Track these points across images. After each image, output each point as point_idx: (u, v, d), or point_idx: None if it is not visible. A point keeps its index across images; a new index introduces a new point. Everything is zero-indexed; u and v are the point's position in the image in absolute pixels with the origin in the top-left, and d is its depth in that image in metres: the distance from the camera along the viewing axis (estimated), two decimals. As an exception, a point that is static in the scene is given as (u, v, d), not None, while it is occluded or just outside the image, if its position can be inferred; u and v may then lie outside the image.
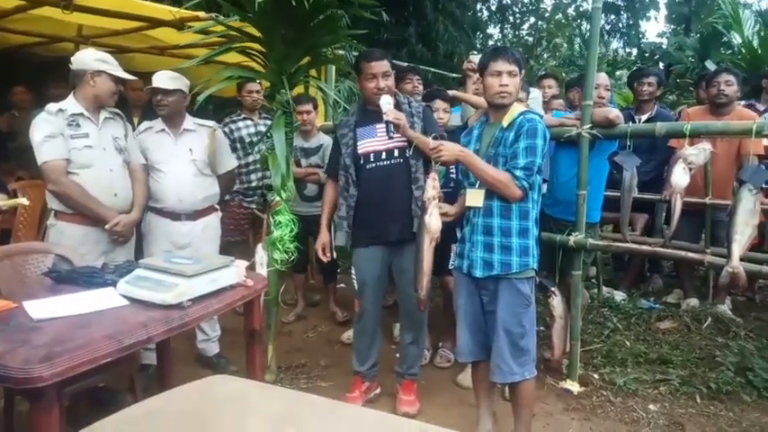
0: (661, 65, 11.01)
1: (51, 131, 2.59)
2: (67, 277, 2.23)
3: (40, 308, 1.86)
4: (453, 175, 3.22)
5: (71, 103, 2.71)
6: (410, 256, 2.69)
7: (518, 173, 2.27)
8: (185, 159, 3.07)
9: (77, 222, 2.67)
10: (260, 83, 4.06)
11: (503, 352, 2.37)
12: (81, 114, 2.69)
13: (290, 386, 3.13)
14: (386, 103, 2.65)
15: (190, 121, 3.15)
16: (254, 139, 4.07)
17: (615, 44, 13.35)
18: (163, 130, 3.07)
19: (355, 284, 3.08)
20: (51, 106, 2.67)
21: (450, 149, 2.30)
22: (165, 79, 3.00)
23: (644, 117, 4.42)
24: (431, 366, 3.46)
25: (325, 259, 3.01)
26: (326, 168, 3.17)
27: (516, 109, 2.39)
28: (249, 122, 4.17)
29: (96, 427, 1.18)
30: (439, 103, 3.23)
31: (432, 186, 2.31)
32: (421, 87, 3.76)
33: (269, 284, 2.85)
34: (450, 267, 2.71)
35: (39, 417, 1.56)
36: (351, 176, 2.82)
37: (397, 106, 2.76)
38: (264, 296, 2.89)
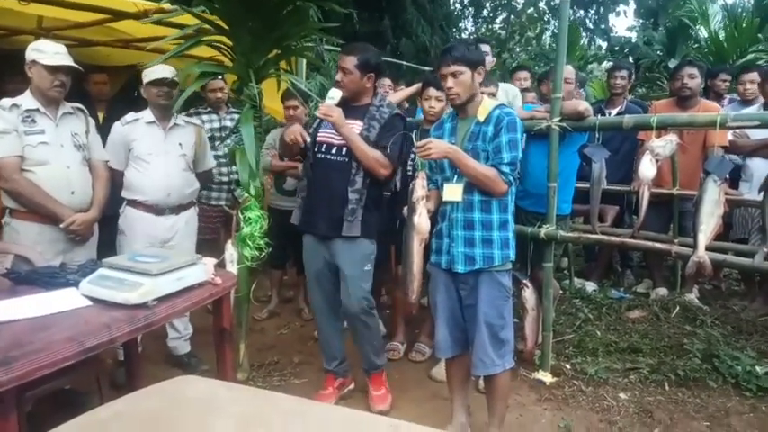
0: (630, 59, 11.18)
1: (4, 127, 2.51)
2: (27, 278, 2.15)
3: (-4, 310, 1.79)
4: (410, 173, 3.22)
5: (27, 99, 2.62)
6: (343, 255, 2.71)
7: (504, 168, 2.28)
8: (176, 153, 3.06)
9: (32, 220, 2.60)
10: (224, 78, 3.99)
11: (484, 345, 2.38)
12: (37, 110, 2.61)
13: (263, 384, 3.10)
14: (329, 96, 2.66)
15: (178, 117, 3.14)
16: (217, 134, 4.01)
17: (584, 39, 13.51)
18: (153, 122, 3.02)
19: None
20: (5, 101, 2.58)
21: (438, 146, 2.27)
22: (167, 70, 2.96)
23: (614, 111, 4.49)
24: (405, 360, 3.46)
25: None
26: None
27: (490, 103, 2.39)
28: (214, 116, 4.11)
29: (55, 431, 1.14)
30: (431, 92, 3.19)
31: (420, 186, 2.30)
32: (393, 85, 3.75)
33: (239, 282, 2.81)
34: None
35: (-4, 423, 1.50)
36: (309, 160, 2.82)
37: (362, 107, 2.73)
38: (235, 293, 2.85)
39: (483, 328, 2.37)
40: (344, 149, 2.71)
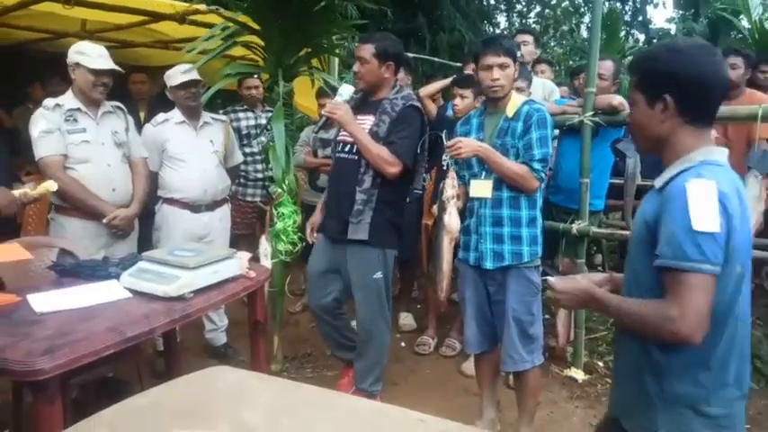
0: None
1: (48, 127, 2.60)
2: (71, 270, 2.25)
3: (43, 301, 1.89)
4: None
5: (69, 98, 2.71)
6: (350, 260, 2.60)
7: (535, 165, 2.27)
8: (208, 151, 3.13)
9: (76, 216, 2.70)
10: (260, 77, 4.05)
11: (513, 341, 2.37)
12: (78, 109, 2.70)
13: (296, 375, 3.16)
14: (338, 93, 2.57)
15: (206, 115, 3.21)
16: (253, 131, 4.09)
17: (622, 32, 13.16)
18: (183, 122, 3.10)
19: None
20: (48, 101, 2.68)
21: (468, 145, 2.26)
22: (193, 72, 3.03)
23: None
24: (435, 355, 3.47)
25: (311, 239, 2.87)
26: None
27: (519, 98, 2.38)
28: (250, 114, 4.18)
29: (95, 417, 1.20)
30: (456, 90, 3.20)
31: (450, 185, 2.29)
32: (404, 76, 3.72)
33: (273, 276, 2.87)
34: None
35: (41, 408, 1.58)
36: (333, 159, 2.78)
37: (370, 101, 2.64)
38: (269, 287, 2.91)
39: (512, 324, 2.36)
40: (355, 147, 2.59)
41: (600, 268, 4.57)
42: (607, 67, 3.35)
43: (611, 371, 3.09)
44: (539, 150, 2.27)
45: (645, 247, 1.31)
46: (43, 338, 1.62)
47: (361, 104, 2.70)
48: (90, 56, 2.66)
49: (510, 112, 2.33)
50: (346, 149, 2.65)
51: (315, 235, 2.85)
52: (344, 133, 2.64)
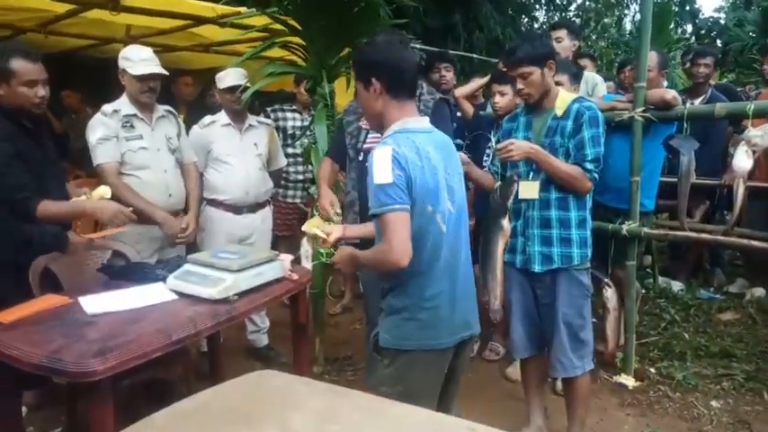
0: (719, 42, 10.43)
1: (105, 134, 2.64)
2: (120, 273, 2.29)
3: (94, 303, 1.92)
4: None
5: (124, 103, 2.74)
6: None
7: (588, 165, 2.20)
8: (252, 153, 3.15)
9: (134, 221, 2.73)
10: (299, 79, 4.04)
11: (563, 346, 2.31)
12: (134, 115, 2.72)
13: (337, 378, 3.14)
14: None
15: (251, 118, 3.23)
16: (298, 132, 4.09)
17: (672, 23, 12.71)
18: (229, 124, 3.12)
19: None
20: (107, 107, 2.72)
21: (519, 147, 2.19)
22: (239, 76, 3.04)
23: (698, 100, 4.18)
24: (479, 359, 3.40)
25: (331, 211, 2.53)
26: (327, 151, 2.83)
27: (568, 96, 2.30)
28: (297, 115, 4.18)
29: (148, 420, 1.21)
30: (494, 86, 3.12)
31: (514, 188, 2.20)
32: (450, 76, 3.64)
33: (314, 278, 2.86)
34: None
35: (95, 409, 1.61)
36: (354, 170, 2.56)
37: None
38: (310, 289, 2.90)
39: (562, 328, 2.29)
40: None
41: (649, 270, 4.42)
42: (650, 58, 3.22)
43: (665, 377, 3.00)
44: (591, 150, 2.20)
45: None
46: (95, 340, 1.65)
47: None
48: (133, 61, 2.67)
49: (559, 110, 2.25)
50: None
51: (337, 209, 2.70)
52: (375, 140, 2.51)
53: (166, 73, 2.75)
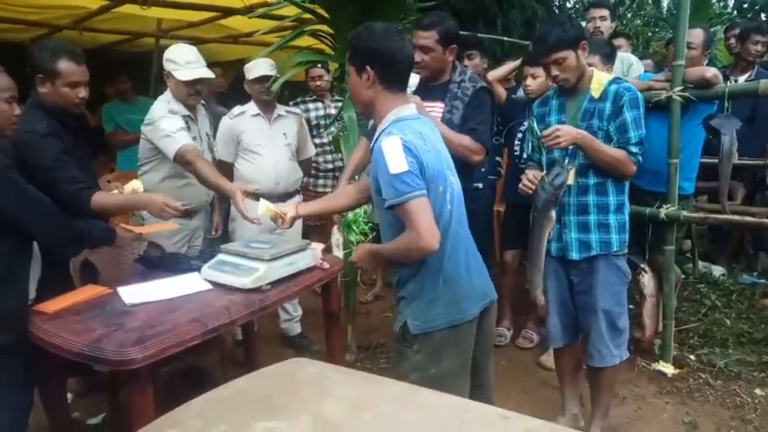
0: (763, 16, 9.96)
1: (182, 125, 2.65)
2: (156, 263, 2.35)
3: (132, 293, 1.97)
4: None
5: (176, 104, 2.73)
6: None
7: (633, 148, 2.14)
8: (281, 143, 3.16)
9: (178, 216, 2.77)
10: (324, 66, 4.03)
11: (602, 334, 2.26)
12: (188, 116, 2.76)
13: (370, 366, 3.16)
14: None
15: (280, 107, 3.24)
16: (323, 121, 4.09)
17: (713, -2, 12.17)
18: (258, 114, 3.14)
19: None
20: (171, 106, 2.70)
21: (567, 133, 2.10)
22: (267, 66, 3.05)
23: (742, 78, 4.00)
24: (512, 347, 3.38)
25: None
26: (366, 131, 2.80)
27: (604, 77, 2.23)
28: (319, 104, 4.19)
29: (186, 406, 1.23)
30: (526, 69, 3.08)
31: (564, 176, 2.11)
32: (475, 63, 3.55)
33: (345, 266, 2.87)
34: None
35: (135, 395, 1.65)
36: None
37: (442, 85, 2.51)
38: (342, 277, 2.92)
39: (600, 315, 2.25)
40: None
41: (689, 255, 4.29)
42: (696, 35, 3.09)
43: (706, 365, 2.93)
44: (635, 132, 2.13)
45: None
46: (134, 329, 1.69)
47: (424, 90, 2.57)
48: (179, 64, 2.66)
49: (596, 92, 2.18)
50: None
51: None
52: None
53: (213, 75, 2.75)
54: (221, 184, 2.62)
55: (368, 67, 1.65)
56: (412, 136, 1.62)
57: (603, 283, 2.23)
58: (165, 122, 2.62)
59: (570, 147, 2.16)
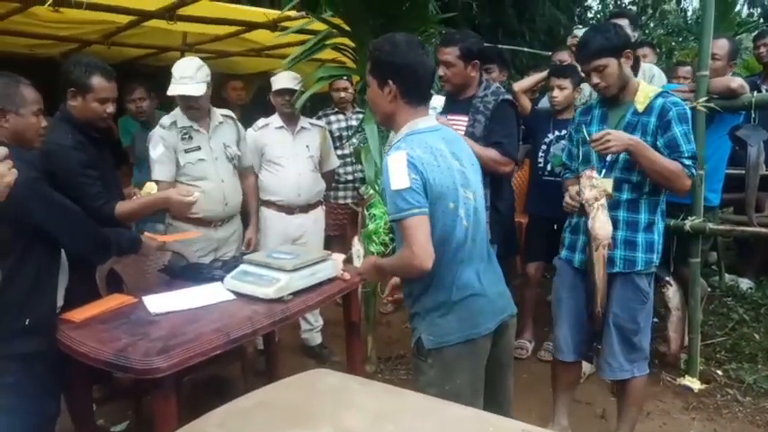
0: (790, 24, 9.76)
1: (162, 152, 2.72)
2: (180, 273, 2.38)
3: (156, 302, 2.01)
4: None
5: (181, 115, 2.80)
6: None
7: (687, 161, 2.08)
8: (304, 155, 3.20)
9: (191, 222, 2.80)
10: (348, 78, 4.07)
11: (612, 348, 2.24)
12: (191, 127, 2.79)
13: (390, 377, 3.15)
14: (430, 106, 2.29)
15: (304, 120, 3.28)
16: (344, 133, 4.12)
17: (738, 6, 11.98)
18: (282, 126, 3.19)
19: None
20: (165, 119, 2.80)
21: (618, 138, 2.06)
22: (289, 80, 3.09)
23: (775, 85, 3.93)
24: (534, 359, 3.34)
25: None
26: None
27: (651, 89, 2.19)
28: (341, 116, 4.22)
29: (207, 416, 1.25)
30: (552, 80, 3.08)
31: (589, 185, 2.07)
32: (493, 77, 3.57)
33: (366, 277, 2.88)
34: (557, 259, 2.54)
35: (159, 404, 1.68)
36: None
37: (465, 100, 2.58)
38: (362, 288, 2.92)
39: (612, 329, 2.23)
40: None
41: (715, 267, 4.21)
42: (721, 45, 3.06)
43: (734, 380, 2.86)
44: (687, 147, 2.08)
45: None
46: (158, 338, 1.72)
47: (449, 105, 2.67)
48: (174, 78, 2.68)
49: (640, 105, 2.14)
50: None
51: None
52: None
53: (198, 94, 2.67)
54: (153, 198, 2.46)
55: (390, 82, 1.63)
56: (420, 151, 1.60)
57: (619, 300, 2.21)
58: (151, 146, 2.77)
59: (616, 155, 2.11)
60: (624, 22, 3.47)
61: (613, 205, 2.16)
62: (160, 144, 2.75)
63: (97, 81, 2.17)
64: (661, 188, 2.17)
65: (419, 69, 1.64)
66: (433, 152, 1.62)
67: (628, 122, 2.16)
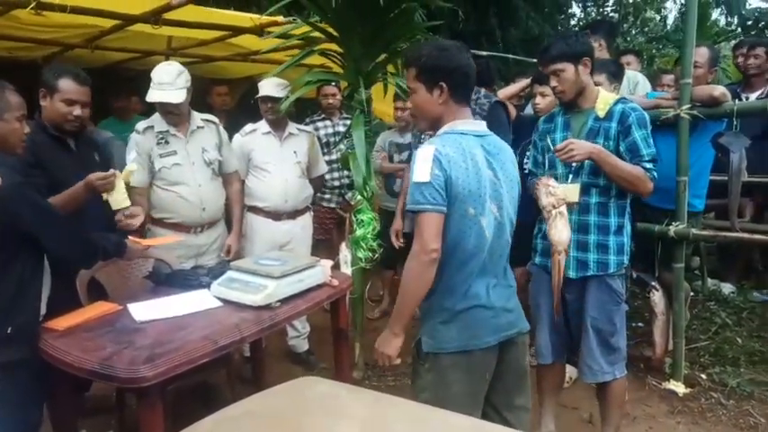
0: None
1: (135, 157, 2.68)
2: (165, 280, 2.35)
3: (141, 310, 1.97)
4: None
5: (158, 120, 2.77)
6: None
7: (648, 165, 2.15)
8: (291, 161, 3.17)
9: (170, 228, 2.78)
10: (336, 84, 4.07)
11: (592, 351, 2.27)
12: (167, 131, 2.76)
13: (378, 383, 3.14)
14: None
15: (292, 126, 3.26)
16: (332, 139, 4.12)
17: (715, 14, 12.23)
18: (269, 132, 3.16)
19: None
20: (140, 124, 2.78)
21: (581, 146, 2.12)
22: (273, 87, 3.07)
23: (754, 95, 3.99)
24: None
25: (396, 244, 3.32)
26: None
27: (610, 96, 2.24)
28: (328, 122, 4.22)
29: (195, 426, 1.22)
30: (536, 87, 3.11)
31: (545, 192, 2.11)
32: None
33: (354, 283, 2.87)
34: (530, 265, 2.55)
35: (144, 413, 1.65)
36: None
37: None
38: (350, 294, 2.91)
39: (591, 333, 2.26)
40: None
41: (697, 272, 4.26)
42: (701, 53, 3.12)
43: (717, 384, 2.89)
44: (647, 150, 2.14)
45: None
46: (144, 347, 1.69)
47: None
48: (153, 83, 2.65)
49: (601, 111, 2.19)
50: None
51: (401, 240, 3.13)
52: None
53: (177, 101, 2.63)
54: (74, 188, 2.25)
55: (442, 84, 1.67)
56: (451, 149, 1.62)
57: (595, 302, 2.24)
58: (127, 152, 2.76)
59: (580, 162, 2.16)
60: (631, 58, 3.57)
61: (584, 209, 2.21)
62: (133, 150, 2.72)
63: (65, 83, 2.19)
64: (627, 192, 2.22)
65: (468, 70, 1.71)
66: (465, 154, 1.64)
67: (590, 128, 2.21)
